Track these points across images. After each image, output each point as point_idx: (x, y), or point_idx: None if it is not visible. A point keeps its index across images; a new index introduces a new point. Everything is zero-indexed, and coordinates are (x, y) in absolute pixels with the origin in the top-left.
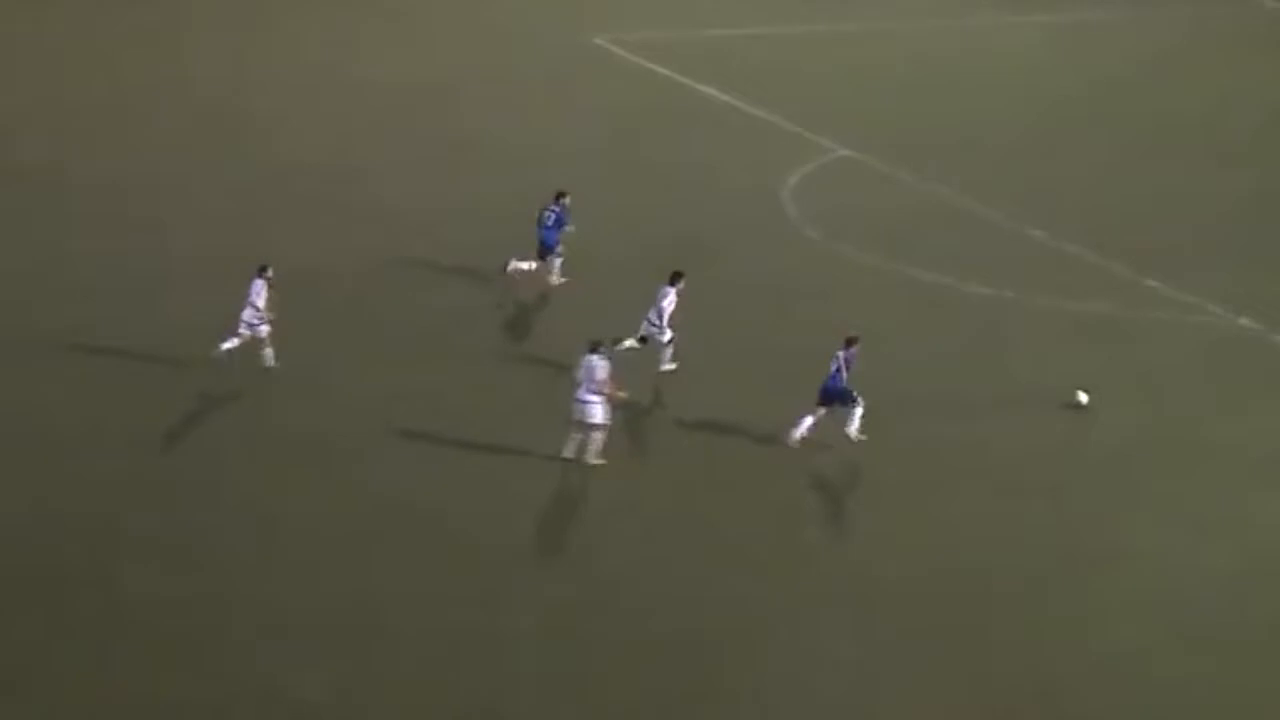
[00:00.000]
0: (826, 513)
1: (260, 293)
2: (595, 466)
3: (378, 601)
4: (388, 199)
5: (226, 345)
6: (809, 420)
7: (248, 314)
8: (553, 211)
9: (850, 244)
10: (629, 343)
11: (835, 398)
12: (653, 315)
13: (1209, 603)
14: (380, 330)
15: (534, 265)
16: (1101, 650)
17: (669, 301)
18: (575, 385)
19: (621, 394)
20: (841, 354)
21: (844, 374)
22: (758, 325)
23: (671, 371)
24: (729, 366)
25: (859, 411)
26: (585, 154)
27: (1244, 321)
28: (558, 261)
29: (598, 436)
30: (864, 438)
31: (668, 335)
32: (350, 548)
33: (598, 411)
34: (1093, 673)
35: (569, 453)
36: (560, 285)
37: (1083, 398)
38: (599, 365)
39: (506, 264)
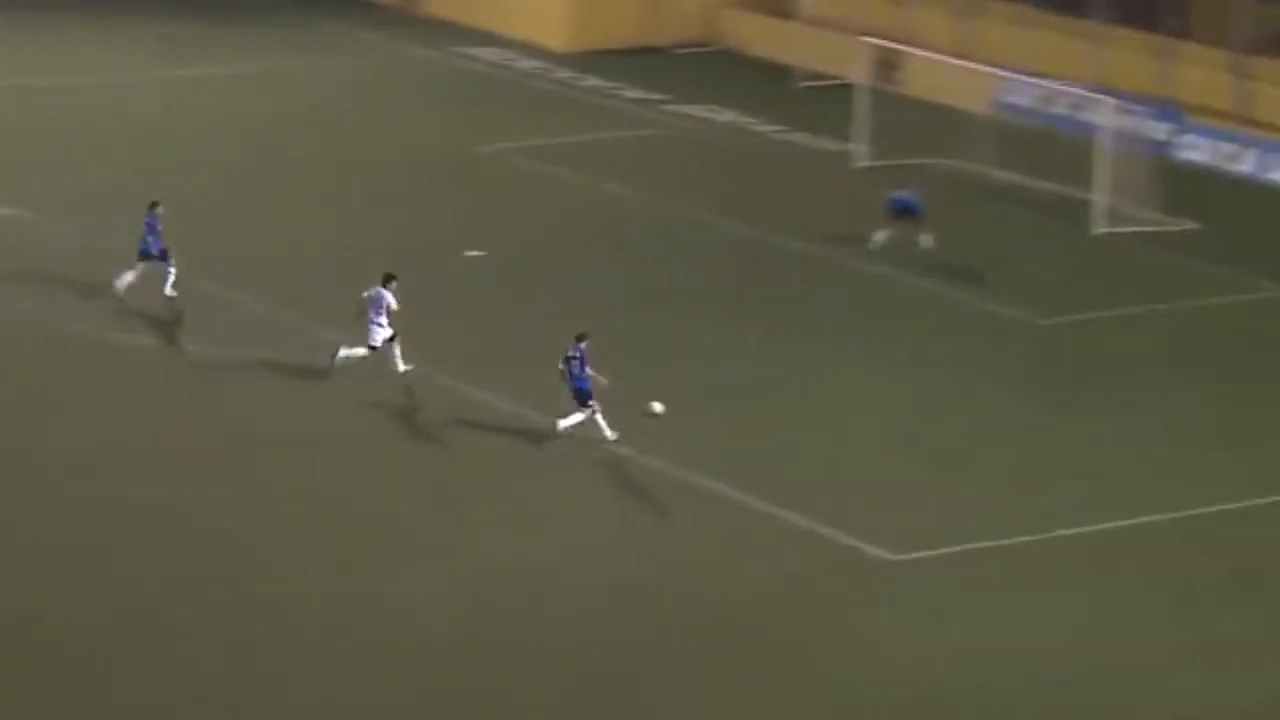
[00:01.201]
0: None
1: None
2: None
3: None
4: None
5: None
6: (584, 417)
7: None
8: (149, 222)
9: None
10: (360, 351)
11: (584, 396)
12: (378, 318)
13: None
14: None
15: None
16: None
17: (388, 301)
18: None
19: None
20: (572, 352)
21: (587, 371)
22: None
23: (410, 371)
24: None
25: (581, 417)
26: None
27: (412, 368)
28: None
29: None
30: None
31: (386, 333)
32: None
33: None
34: None
35: None
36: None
37: (657, 407)
38: None
39: (115, 284)
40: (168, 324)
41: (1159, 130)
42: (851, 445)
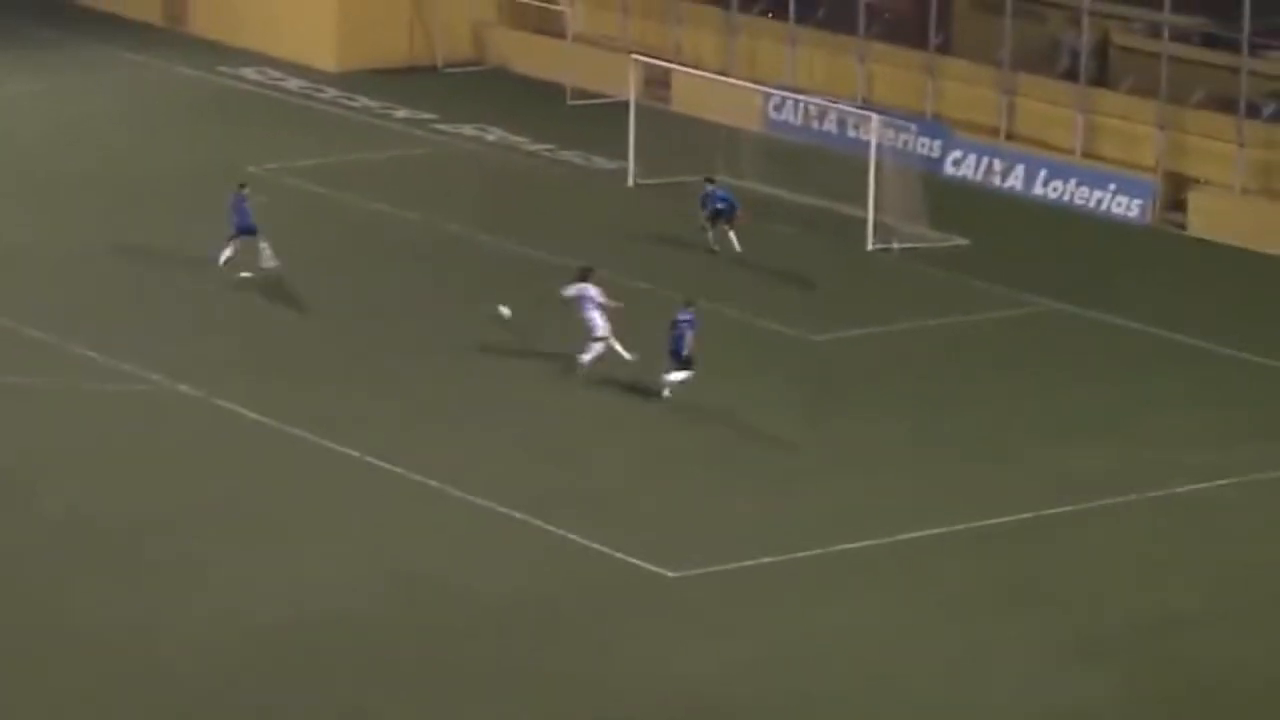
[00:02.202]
0: None
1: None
2: None
3: None
4: None
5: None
6: (686, 376)
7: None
8: (239, 198)
9: None
10: (627, 356)
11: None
12: (596, 317)
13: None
14: None
15: (234, 248)
16: None
17: (595, 295)
18: None
19: None
20: (681, 316)
21: (688, 335)
22: None
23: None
24: None
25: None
26: None
27: (184, 388)
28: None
29: None
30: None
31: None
32: None
33: None
34: None
35: None
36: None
37: (505, 311)
38: None
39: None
40: None
41: (926, 146)
42: (627, 463)
